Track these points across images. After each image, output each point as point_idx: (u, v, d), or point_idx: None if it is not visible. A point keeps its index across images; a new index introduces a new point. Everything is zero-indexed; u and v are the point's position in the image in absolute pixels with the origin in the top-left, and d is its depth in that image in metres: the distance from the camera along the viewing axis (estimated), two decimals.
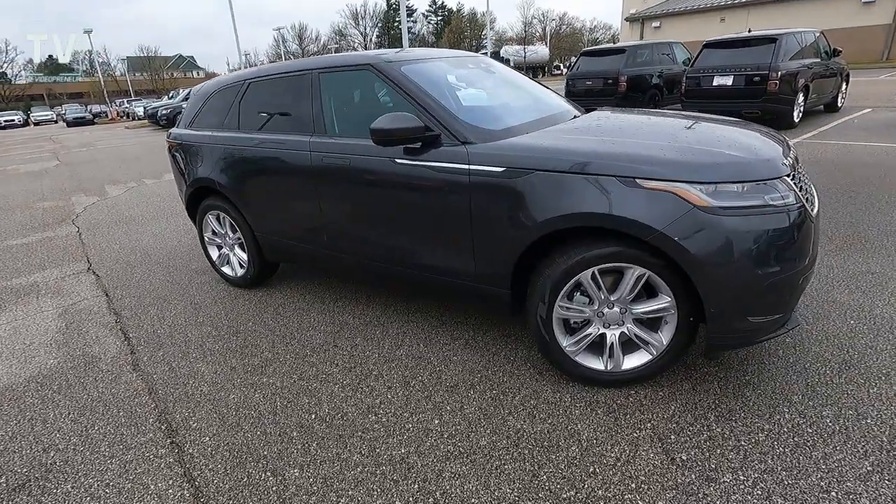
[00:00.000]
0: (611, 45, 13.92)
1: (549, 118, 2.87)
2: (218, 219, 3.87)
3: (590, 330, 2.32)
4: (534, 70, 57.52)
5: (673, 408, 2.23)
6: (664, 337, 2.23)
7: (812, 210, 2.10)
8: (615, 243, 2.10)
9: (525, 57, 57.48)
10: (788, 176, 2.03)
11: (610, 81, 11.10)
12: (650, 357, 2.28)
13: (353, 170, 2.80)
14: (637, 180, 2.01)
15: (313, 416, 2.34)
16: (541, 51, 60.85)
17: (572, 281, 2.19)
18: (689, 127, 2.50)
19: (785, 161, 2.10)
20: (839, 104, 10.60)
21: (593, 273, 2.15)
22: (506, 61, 49.22)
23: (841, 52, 10.31)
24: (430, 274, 2.74)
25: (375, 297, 3.53)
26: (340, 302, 3.50)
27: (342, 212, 2.99)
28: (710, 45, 9.53)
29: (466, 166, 2.39)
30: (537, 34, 67.66)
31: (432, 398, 2.42)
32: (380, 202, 2.77)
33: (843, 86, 10.67)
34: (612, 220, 2.03)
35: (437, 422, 2.26)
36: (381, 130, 2.43)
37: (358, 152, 2.78)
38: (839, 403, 2.17)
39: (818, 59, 9.54)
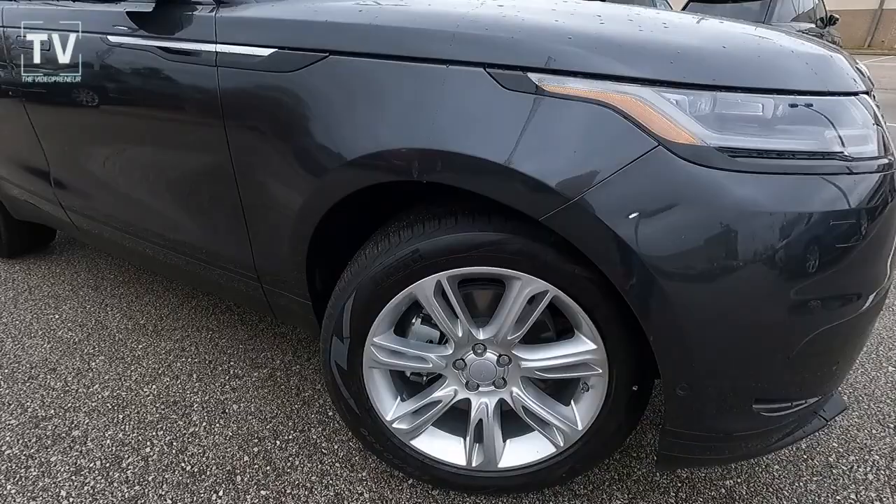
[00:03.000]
0: None
1: None
2: None
3: (440, 392, 1.19)
4: None
5: None
6: (580, 415, 1.13)
7: None
8: (490, 225, 0.97)
9: None
10: (868, 95, 0.94)
11: None
12: (553, 450, 1.18)
13: (53, 61, 1.52)
14: (535, 76, 0.87)
15: None
16: None
17: (399, 296, 1.05)
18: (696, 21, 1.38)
19: (858, 75, 1.00)
20: None
21: (441, 284, 1.02)
22: None
23: (838, 20, 9.44)
24: (198, 261, 1.54)
25: (177, 286, 2.28)
26: (123, 289, 2.22)
27: (58, 140, 1.71)
28: None
29: (212, 46, 1.17)
30: None
31: None
32: (93, 121, 1.52)
33: None
34: (468, 171, 0.90)
35: None
36: None
37: (67, 20, 1.49)
38: None
39: (813, 26, 8.75)
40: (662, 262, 0.82)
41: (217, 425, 1.49)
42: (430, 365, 1.11)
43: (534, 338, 1.13)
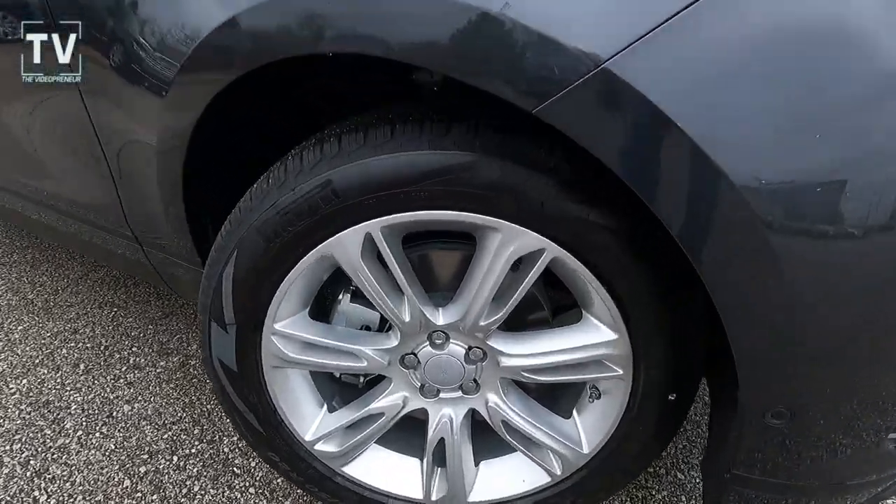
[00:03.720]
0: None
1: None
2: None
3: (382, 401, 0.80)
4: None
5: None
6: (586, 433, 0.77)
7: None
8: (448, 138, 0.59)
9: None
10: None
11: None
12: (546, 480, 0.83)
13: None
14: None
15: None
16: None
17: (308, 259, 0.66)
18: None
19: None
20: None
21: (373, 239, 0.63)
22: None
23: None
24: (70, 218, 1.13)
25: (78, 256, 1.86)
26: (17, 256, 1.80)
27: None
28: None
29: None
30: None
31: None
32: None
33: None
34: (408, 31, 0.49)
35: None
36: None
37: None
38: None
39: None
40: (773, 192, 0.44)
41: (96, 435, 1.12)
42: (365, 363, 0.74)
43: (519, 322, 0.77)
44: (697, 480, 1.04)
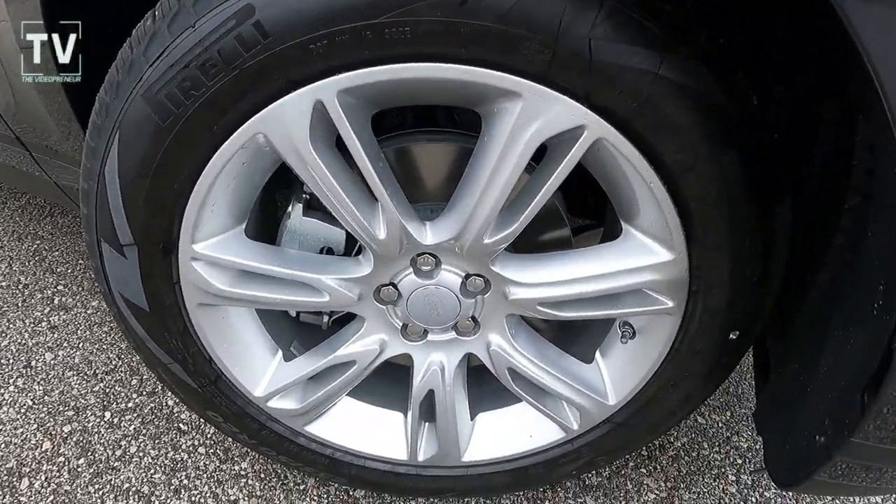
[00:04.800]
0: None
1: None
2: None
3: (352, 347, 0.62)
4: None
5: None
6: (612, 381, 0.61)
7: None
8: None
9: None
10: None
11: None
12: (560, 436, 0.68)
13: None
14: None
15: None
16: None
17: (233, 143, 0.44)
18: None
19: None
20: None
21: (325, 111, 0.41)
22: None
23: None
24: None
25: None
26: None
27: None
28: None
29: None
30: None
31: None
32: None
33: None
34: None
35: None
36: None
37: None
38: None
39: None
40: None
41: (10, 389, 0.93)
42: (327, 298, 0.55)
43: (529, 244, 0.58)
44: (721, 425, 0.92)
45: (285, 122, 0.42)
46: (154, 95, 0.41)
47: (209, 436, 0.87)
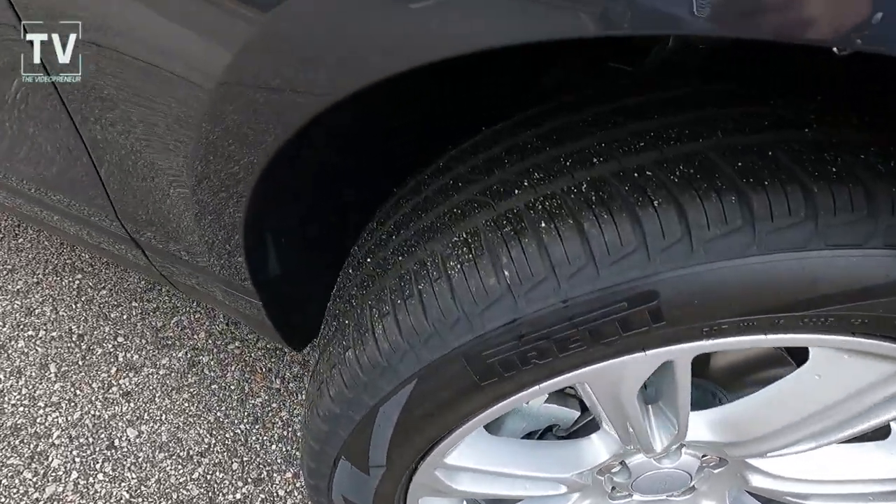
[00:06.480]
0: None
1: None
2: None
3: None
4: None
5: None
6: None
7: None
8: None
9: None
10: None
11: None
12: None
13: None
14: None
15: None
16: None
17: (535, 392, 0.37)
18: None
19: None
20: None
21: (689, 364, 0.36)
22: None
23: None
24: (58, 216, 0.74)
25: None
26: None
27: None
28: None
29: None
30: None
31: None
32: None
33: None
34: None
35: None
36: None
37: None
38: None
39: None
40: None
41: (99, 477, 0.85)
42: (563, 490, 0.50)
43: None
44: None
45: (619, 376, 0.35)
46: (480, 356, 0.33)
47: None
